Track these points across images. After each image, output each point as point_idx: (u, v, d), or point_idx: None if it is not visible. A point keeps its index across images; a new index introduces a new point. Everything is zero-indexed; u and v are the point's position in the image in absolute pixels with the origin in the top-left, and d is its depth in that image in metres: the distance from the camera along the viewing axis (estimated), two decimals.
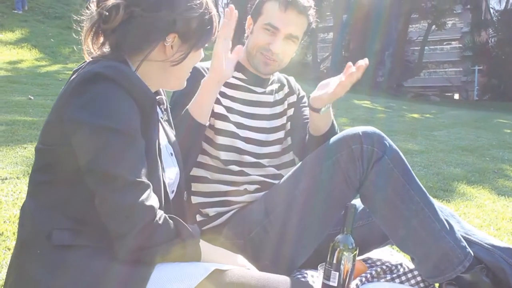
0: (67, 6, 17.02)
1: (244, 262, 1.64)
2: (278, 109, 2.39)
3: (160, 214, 1.44)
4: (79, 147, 1.41)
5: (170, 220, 1.47)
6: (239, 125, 2.25)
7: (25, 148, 4.43)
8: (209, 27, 1.64)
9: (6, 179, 3.53)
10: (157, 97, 1.71)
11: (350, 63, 1.92)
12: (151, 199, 1.42)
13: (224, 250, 1.66)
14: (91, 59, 1.56)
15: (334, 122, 2.26)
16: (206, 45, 1.69)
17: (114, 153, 1.38)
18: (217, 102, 2.21)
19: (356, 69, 1.90)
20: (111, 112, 1.40)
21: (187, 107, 2.06)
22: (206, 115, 2.07)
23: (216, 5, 33.82)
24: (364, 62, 1.90)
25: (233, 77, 2.29)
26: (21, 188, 3.33)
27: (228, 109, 2.23)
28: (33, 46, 13.04)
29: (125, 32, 1.53)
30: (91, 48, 1.59)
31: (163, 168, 1.60)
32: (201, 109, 2.05)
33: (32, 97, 7.29)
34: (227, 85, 2.27)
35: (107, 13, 1.51)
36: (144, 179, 1.42)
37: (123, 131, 1.39)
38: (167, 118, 1.83)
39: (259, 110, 2.31)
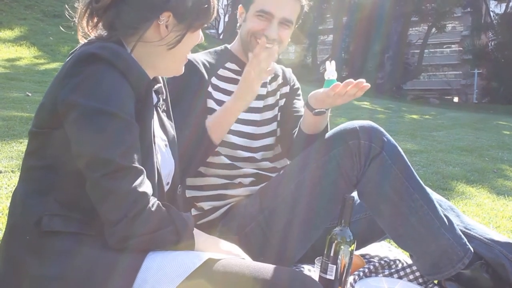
0: (66, 4, 16.93)
1: (238, 251, 1.60)
2: (270, 100, 2.34)
3: (154, 201, 1.40)
4: (71, 130, 1.37)
5: (163, 208, 1.43)
6: None
7: (21, 143, 4.39)
8: (206, 5, 1.58)
9: (1, 172, 3.50)
10: (157, 85, 1.66)
11: (351, 80, 1.84)
12: (144, 185, 1.39)
13: (218, 239, 1.63)
14: (86, 41, 1.52)
15: (328, 127, 2.20)
16: (205, 25, 1.63)
17: (107, 136, 1.35)
18: (209, 96, 2.16)
19: (359, 88, 1.83)
20: (105, 94, 1.36)
21: (206, 122, 2.01)
22: (222, 136, 2.05)
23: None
24: (366, 83, 1.83)
25: (227, 69, 2.25)
26: (16, 182, 3.27)
27: (220, 103, 2.17)
28: (32, 44, 12.97)
29: (117, 10, 1.50)
30: (86, 30, 1.56)
31: (157, 158, 1.56)
32: (222, 131, 2.02)
33: (29, 94, 7.24)
34: (220, 78, 2.22)
35: None
36: (137, 164, 1.38)
37: (117, 114, 1.36)
38: (165, 108, 1.77)
39: (252, 103, 2.26)
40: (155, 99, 1.65)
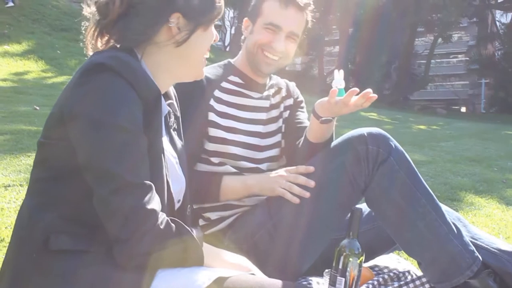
0: (74, 18, 17.10)
1: (248, 264, 1.59)
2: (274, 113, 2.35)
3: (162, 218, 1.38)
4: (77, 142, 1.36)
5: (172, 224, 1.40)
6: (233, 130, 2.20)
7: (29, 157, 4.41)
8: None
9: (9, 186, 3.51)
10: (168, 102, 1.65)
11: (356, 89, 1.86)
12: (153, 202, 1.36)
13: (227, 253, 1.61)
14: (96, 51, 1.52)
15: (333, 136, 2.21)
16: (216, 21, 1.62)
17: (113, 150, 1.33)
18: (210, 109, 2.17)
19: (365, 98, 1.85)
20: (111, 106, 1.34)
21: (222, 185, 2.11)
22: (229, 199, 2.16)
23: (223, 19, 33.99)
24: (373, 94, 1.85)
25: (230, 82, 2.26)
26: (23, 195, 3.29)
27: (223, 114, 2.19)
28: (39, 57, 13.06)
29: (125, 22, 1.49)
30: (97, 45, 1.55)
31: (168, 174, 1.54)
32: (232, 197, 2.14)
33: (37, 108, 7.28)
34: (224, 90, 2.23)
35: (104, 8, 1.48)
36: (145, 180, 1.36)
37: (124, 126, 1.34)
38: (176, 127, 1.75)
39: (255, 115, 2.27)
40: (165, 110, 1.63)
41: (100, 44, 1.55)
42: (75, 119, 1.35)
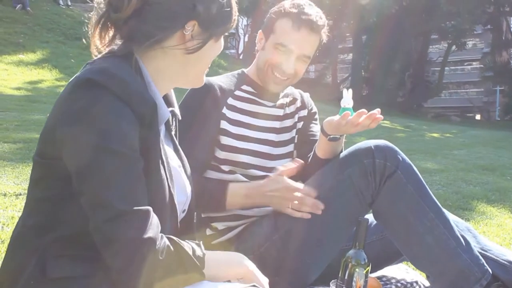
0: (86, 27, 17.13)
1: (253, 268, 1.53)
2: (288, 122, 2.34)
3: (160, 245, 1.29)
4: (69, 164, 1.28)
5: (171, 248, 1.32)
6: (245, 138, 2.19)
7: None
8: (228, 9, 1.49)
9: (20, 194, 3.54)
10: (169, 109, 1.54)
11: (364, 110, 1.86)
12: (150, 229, 1.27)
13: (230, 259, 1.54)
14: (97, 56, 1.43)
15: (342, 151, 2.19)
16: (227, 33, 1.55)
17: (104, 177, 1.24)
18: (223, 117, 2.16)
19: (372, 119, 1.85)
20: (102, 127, 1.24)
21: (227, 196, 2.09)
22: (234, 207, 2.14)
23: (237, 27, 34.07)
24: (379, 115, 1.85)
25: (243, 90, 2.26)
26: None
27: (235, 122, 2.19)
28: (53, 66, 13.20)
29: (139, 21, 1.39)
30: (98, 45, 1.44)
31: (172, 185, 1.46)
32: (237, 207, 2.13)
33: None
34: (237, 98, 2.23)
35: (118, 1, 1.37)
36: (140, 206, 1.27)
37: (115, 150, 1.25)
38: (175, 132, 1.66)
39: (268, 123, 2.26)
40: (166, 116, 1.51)
41: (103, 40, 1.44)
42: (66, 140, 1.28)
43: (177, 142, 1.63)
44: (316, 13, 2.13)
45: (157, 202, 1.35)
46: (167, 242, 1.32)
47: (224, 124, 2.16)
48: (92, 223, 1.26)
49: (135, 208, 1.25)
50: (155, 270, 1.27)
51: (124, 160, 1.26)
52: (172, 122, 1.61)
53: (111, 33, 1.44)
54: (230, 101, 2.20)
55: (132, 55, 1.41)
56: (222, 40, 1.55)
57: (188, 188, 1.62)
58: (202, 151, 2.10)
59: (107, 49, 1.44)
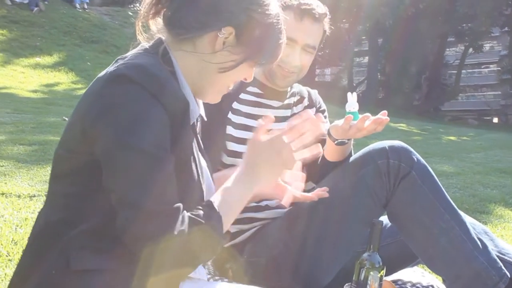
0: (103, 30, 17.38)
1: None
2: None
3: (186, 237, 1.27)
4: (101, 159, 1.26)
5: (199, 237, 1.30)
6: None
7: None
8: (275, 41, 1.47)
9: (34, 196, 3.55)
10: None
11: (368, 114, 1.85)
12: (179, 226, 1.26)
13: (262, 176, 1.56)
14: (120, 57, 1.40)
15: (352, 153, 2.17)
16: (267, 64, 1.50)
17: (134, 176, 1.23)
18: (228, 122, 2.13)
19: (377, 123, 1.84)
20: (133, 125, 1.23)
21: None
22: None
23: None
24: (385, 117, 1.83)
25: (249, 92, 2.22)
26: None
27: (241, 126, 2.15)
28: (69, 69, 13.31)
29: (183, 3, 1.39)
30: (147, 15, 1.43)
31: (203, 183, 1.45)
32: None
33: (66, 118, 7.37)
34: (242, 102, 2.19)
35: None
36: (171, 204, 1.26)
37: (146, 150, 1.23)
38: (199, 132, 1.63)
39: (276, 125, 2.21)
40: (196, 114, 1.49)
41: (151, 12, 1.43)
42: (97, 136, 1.26)
43: (201, 143, 1.60)
44: (316, 3, 2.12)
45: (188, 198, 1.34)
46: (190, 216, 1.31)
47: (230, 130, 2.14)
48: (119, 222, 1.24)
49: (165, 207, 1.25)
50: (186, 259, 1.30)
51: (153, 159, 1.24)
52: (197, 123, 1.57)
53: (159, 5, 1.43)
54: (235, 105, 2.17)
55: (166, 52, 1.39)
56: (254, 69, 1.50)
57: (213, 188, 1.60)
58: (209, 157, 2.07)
59: (149, 32, 1.44)
